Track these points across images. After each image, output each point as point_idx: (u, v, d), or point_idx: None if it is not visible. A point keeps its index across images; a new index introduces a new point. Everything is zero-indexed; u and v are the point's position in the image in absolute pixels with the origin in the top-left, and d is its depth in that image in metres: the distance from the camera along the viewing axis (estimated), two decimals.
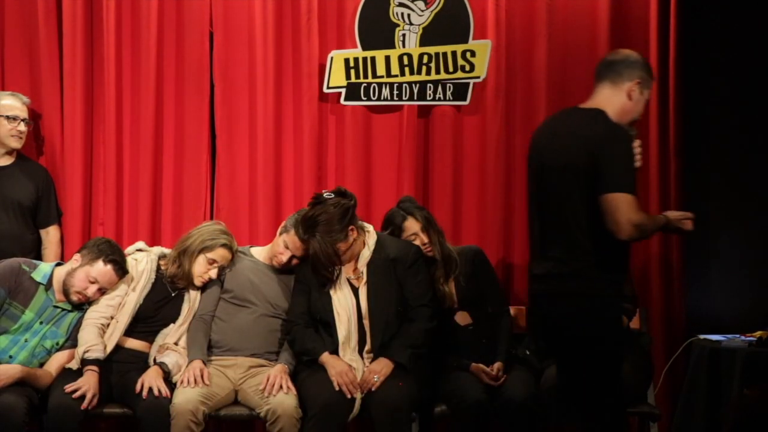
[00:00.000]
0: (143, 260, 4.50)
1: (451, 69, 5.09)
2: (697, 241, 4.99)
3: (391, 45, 5.09)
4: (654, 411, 4.48)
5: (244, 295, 4.47)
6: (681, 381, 4.78)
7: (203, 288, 4.52)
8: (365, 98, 5.10)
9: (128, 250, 4.57)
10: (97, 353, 4.23)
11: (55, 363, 4.31)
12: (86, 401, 4.10)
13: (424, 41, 5.09)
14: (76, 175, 5.05)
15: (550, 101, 5.07)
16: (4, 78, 5.11)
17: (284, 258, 4.47)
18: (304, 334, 4.32)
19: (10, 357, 4.26)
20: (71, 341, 4.34)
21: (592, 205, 3.48)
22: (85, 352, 4.22)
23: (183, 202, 5.12)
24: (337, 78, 5.08)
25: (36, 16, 5.05)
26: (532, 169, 3.74)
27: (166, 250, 4.62)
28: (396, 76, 5.08)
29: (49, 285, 4.37)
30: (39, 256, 4.83)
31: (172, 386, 4.22)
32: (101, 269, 4.33)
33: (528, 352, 4.58)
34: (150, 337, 4.44)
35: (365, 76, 5.08)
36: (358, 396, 4.16)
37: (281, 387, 4.19)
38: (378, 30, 5.09)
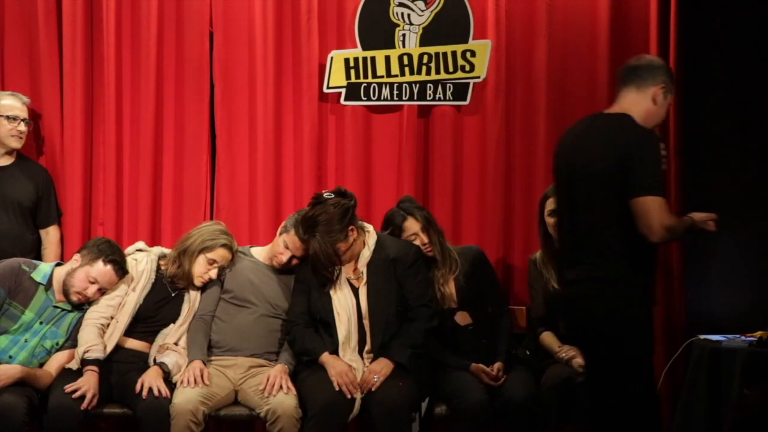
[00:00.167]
0: (143, 260, 4.50)
1: (451, 69, 5.08)
2: (697, 242, 4.98)
3: (391, 45, 5.09)
4: None
5: (244, 295, 4.47)
6: (681, 381, 4.77)
7: (203, 288, 4.52)
8: (365, 98, 5.10)
9: (128, 250, 4.57)
10: (97, 353, 4.23)
11: (55, 363, 4.31)
12: (86, 401, 4.10)
13: (424, 41, 5.09)
14: (76, 175, 5.05)
15: (550, 101, 5.08)
16: (4, 78, 5.11)
17: (284, 258, 4.46)
18: (304, 334, 4.32)
19: (10, 357, 4.26)
20: (71, 341, 4.34)
21: (623, 209, 3.50)
22: (85, 352, 4.22)
23: (183, 202, 5.12)
24: (337, 78, 5.08)
25: (36, 16, 5.05)
26: (561, 175, 3.75)
27: (166, 250, 4.62)
28: (396, 76, 5.08)
29: (49, 285, 4.37)
30: (39, 256, 4.83)
31: (172, 386, 4.22)
32: (101, 269, 4.32)
33: (528, 352, 4.58)
34: (150, 337, 4.43)
35: (365, 76, 5.08)
36: (358, 396, 4.15)
37: (281, 387, 4.18)
38: (378, 30, 5.09)
